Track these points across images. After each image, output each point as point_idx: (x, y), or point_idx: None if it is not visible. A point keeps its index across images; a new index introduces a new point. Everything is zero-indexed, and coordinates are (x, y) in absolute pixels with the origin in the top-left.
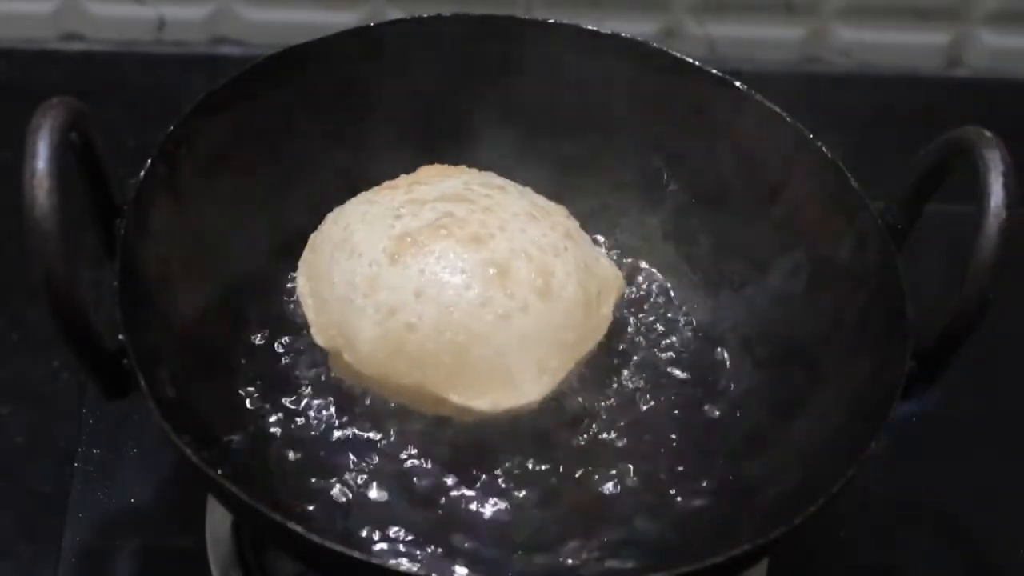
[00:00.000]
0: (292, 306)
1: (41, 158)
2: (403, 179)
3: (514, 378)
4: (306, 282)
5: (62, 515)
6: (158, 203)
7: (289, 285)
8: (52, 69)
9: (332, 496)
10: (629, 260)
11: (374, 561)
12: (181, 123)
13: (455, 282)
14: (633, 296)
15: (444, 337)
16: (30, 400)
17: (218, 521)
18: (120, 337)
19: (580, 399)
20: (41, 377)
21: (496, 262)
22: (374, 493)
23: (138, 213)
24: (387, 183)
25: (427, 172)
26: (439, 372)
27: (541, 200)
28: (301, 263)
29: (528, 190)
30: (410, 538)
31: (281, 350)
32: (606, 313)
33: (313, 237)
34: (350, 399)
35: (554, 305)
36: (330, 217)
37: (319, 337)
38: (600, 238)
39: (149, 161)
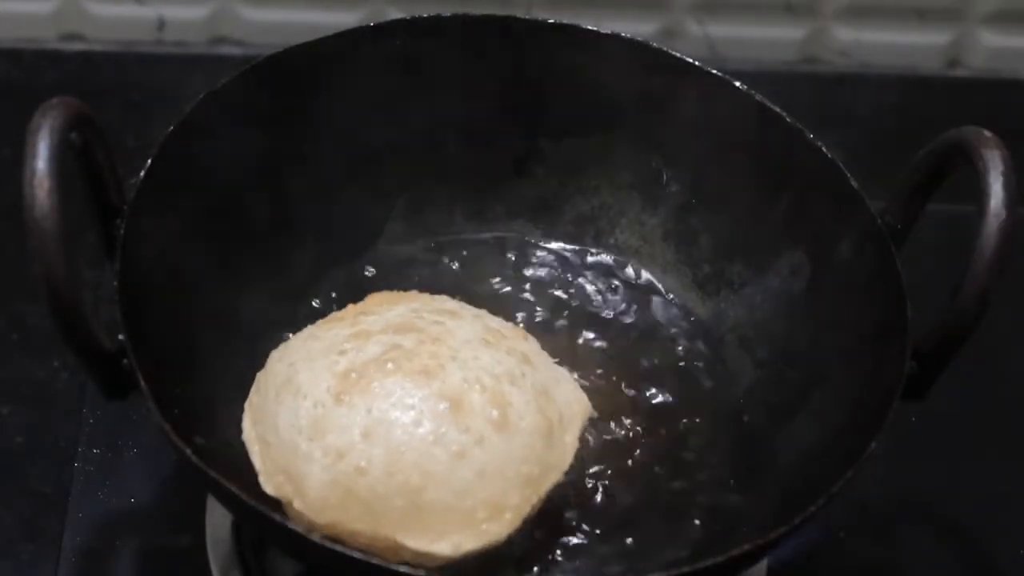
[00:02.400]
0: (294, 306)
1: (41, 158)
2: (350, 309)
3: (474, 518)
4: (252, 427)
5: (62, 515)
6: (158, 203)
7: (292, 284)
8: (52, 69)
9: None
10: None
11: (374, 561)
12: (181, 123)
13: (404, 420)
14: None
15: (396, 480)
16: (30, 400)
17: (218, 521)
18: (120, 337)
19: None
20: (41, 377)
21: (448, 395)
22: None
23: (138, 213)
24: (333, 315)
25: (374, 300)
26: (393, 517)
27: (496, 323)
28: (247, 405)
29: (483, 312)
30: None
31: None
32: (571, 440)
33: (258, 377)
34: None
35: (512, 437)
36: (275, 355)
37: (267, 486)
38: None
39: (149, 161)
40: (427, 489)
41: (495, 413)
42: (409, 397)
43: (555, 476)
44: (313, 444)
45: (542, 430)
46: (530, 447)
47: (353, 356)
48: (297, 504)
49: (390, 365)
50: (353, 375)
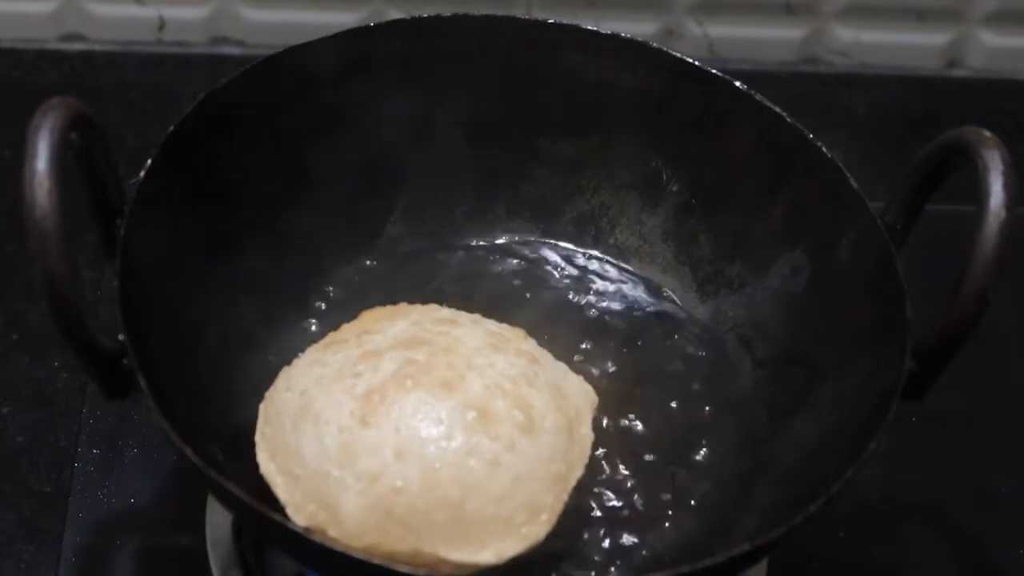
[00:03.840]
0: (295, 305)
1: (41, 158)
2: (347, 329)
3: (514, 523)
4: (269, 459)
5: (62, 515)
6: (158, 203)
7: (292, 284)
8: (52, 69)
9: None
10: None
11: (374, 561)
12: (181, 123)
13: (435, 434)
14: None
15: (434, 495)
16: (30, 400)
17: (218, 521)
18: (120, 337)
19: None
20: (41, 377)
21: (473, 404)
22: None
23: (138, 213)
24: (332, 336)
25: (370, 317)
26: (434, 533)
27: (494, 325)
28: (258, 438)
29: (478, 316)
30: None
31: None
32: (587, 432)
33: (264, 408)
34: None
35: (539, 438)
36: (280, 384)
37: (298, 516)
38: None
39: (149, 161)
40: (467, 501)
41: (520, 417)
42: (435, 411)
43: (579, 470)
44: (345, 470)
45: (563, 427)
46: (555, 446)
47: (370, 377)
48: (333, 532)
49: (409, 382)
50: (375, 396)
